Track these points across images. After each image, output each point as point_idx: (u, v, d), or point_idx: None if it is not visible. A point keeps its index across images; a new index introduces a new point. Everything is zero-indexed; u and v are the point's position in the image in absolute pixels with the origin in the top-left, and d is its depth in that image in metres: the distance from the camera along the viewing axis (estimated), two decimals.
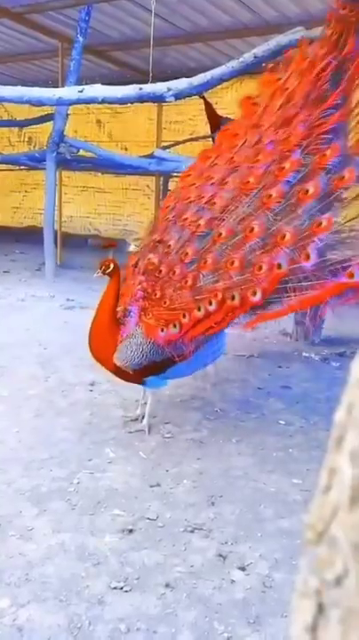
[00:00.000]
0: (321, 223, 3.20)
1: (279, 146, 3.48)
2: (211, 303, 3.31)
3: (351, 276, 3.17)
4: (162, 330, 3.38)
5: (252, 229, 3.31)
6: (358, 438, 0.42)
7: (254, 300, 3.23)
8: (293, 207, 3.31)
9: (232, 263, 3.31)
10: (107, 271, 3.46)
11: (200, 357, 3.63)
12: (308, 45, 3.70)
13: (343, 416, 0.46)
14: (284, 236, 3.23)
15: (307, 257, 3.18)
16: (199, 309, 3.32)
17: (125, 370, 3.46)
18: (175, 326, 3.38)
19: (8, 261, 10.55)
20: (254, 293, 3.23)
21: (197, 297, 3.35)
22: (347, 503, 0.42)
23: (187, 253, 3.44)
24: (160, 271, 3.53)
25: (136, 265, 3.70)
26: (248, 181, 3.47)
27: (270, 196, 3.35)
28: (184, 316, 3.35)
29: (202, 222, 3.50)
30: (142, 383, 3.61)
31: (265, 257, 3.26)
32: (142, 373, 3.49)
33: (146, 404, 3.72)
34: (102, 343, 3.49)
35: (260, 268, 3.25)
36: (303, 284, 3.23)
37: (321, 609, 0.45)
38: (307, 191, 3.28)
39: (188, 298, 3.38)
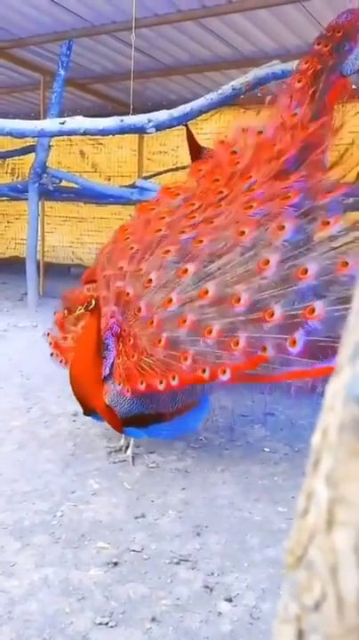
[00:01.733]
0: (314, 310, 3.06)
1: (275, 198, 3.45)
2: (175, 377, 3.24)
3: None
4: (141, 382, 3.34)
5: (239, 299, 3.20)
6: (333, 462, 0.43)
7: (223, 379, 3.15)
8: (287, 283, 3.19)
9: (210, 332, 3.21)
10: (90, 307, 3.42)
11: (183, 423, 3.56)
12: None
13: (318, 440, 0.46)
14: (273, 314, 3.13)
15: (294, 343, 3.08)
16: (172, 378, 3.24)
17: (113, 411, 3.44)
18: (143, 384, 3.33)
19: None
20: (224, 372, 3.16)
21: (168, 360, 3.27)
22: (324, 526, 0.42)
23: (170, 300, 3.37)
24: (139, 309, 3.48)
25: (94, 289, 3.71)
26: (242, 231, 3.39)
27: (267, 262, 3.24)
28: (160, 381, 3.29)
29: (190, 268, 3.42)
30: (121, 430, 3.58)
31: (244, 332, 3.16)
32: (126, 421, 3.46)
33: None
34: (86, 381, 3.45)
35: (237, 343, 3.16)
36: (289, 360, 3.13)
37: (300, 635, 0.44)
38: (306, 270, 3.15)
39: (160, 360, 3.30)
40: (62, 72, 8.20)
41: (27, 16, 7.79)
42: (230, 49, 8.60)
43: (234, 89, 6.48)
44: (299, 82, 3.85)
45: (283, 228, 3.31)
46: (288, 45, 8.27)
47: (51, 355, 3.97)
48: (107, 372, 3.45)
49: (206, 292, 3.30)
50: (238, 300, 3.21)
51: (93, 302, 3.42)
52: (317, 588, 0.43)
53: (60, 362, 3.89)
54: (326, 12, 6.71)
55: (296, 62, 3.70)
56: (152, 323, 3.39)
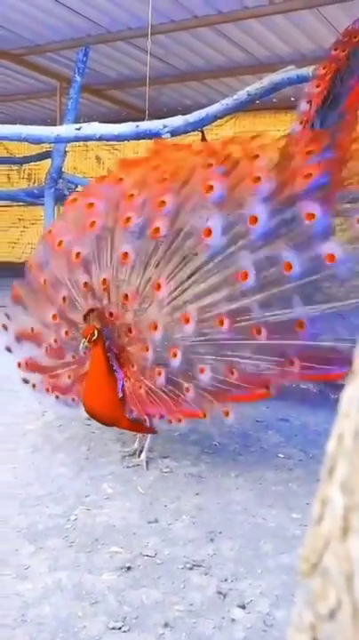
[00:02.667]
0: (302, 324, 3.01)
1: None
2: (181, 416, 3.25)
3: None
4: (157, 413, 3.34)
5: (222, 321, 3.05)
6: (348, 468, 0.42)
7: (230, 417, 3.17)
8: (268, 289, 3.05)
9: (202, 370, 3.14)
10: (93, 339, 3.31)
11: None
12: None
13: (334, 446, 0.46)
14: (260, 331, 3.05)
15: (292, 363, 3.04)
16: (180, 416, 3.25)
17: (140, 423, 3.43)
18: (157, 414, 3.33)
19: (5, 296, 10.56)
20: (227, 414, 3.18)
21: (172, 392, 3.25)
22: (339, 533, 0.42)
23: (156, 326, 3.20)
24: (129, 329, 3.36)
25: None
26: (209, 230, 3.06)
27: (246, 275, 3.01)
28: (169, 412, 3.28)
29: (162, 283, 3.17)
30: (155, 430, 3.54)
31: (235, 359, 3.11)
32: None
33: (144, 437, 3.69)
34: (106, 410, 3.42)
35: (232, 372, 3.12)
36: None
37: None
38: (290, 266, 2.98)
39: (164, 392, 3.27)
40: (78, 78, 8.28)
41: (44, 23, 7.87)
42: (245, 54, 8.61)
43: (249, 94, 6.48)
44: (317, 87, 3.85)
45: (255, 219, 3.03)
46: (303, 50, 8.28)
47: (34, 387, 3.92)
48: (121, 394, 3.40)
49: (187, 320, 3.13)
50: (222, 322, 3.07)
51: (95, 333, 3.31)
52: (332, 596, 0.42)
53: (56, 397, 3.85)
54: (341, 17, 6.71)
55: (312, 67, 3.68)
56: (147, 349, 3.29)
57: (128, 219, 3.29)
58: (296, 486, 3.41)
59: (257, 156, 3.14)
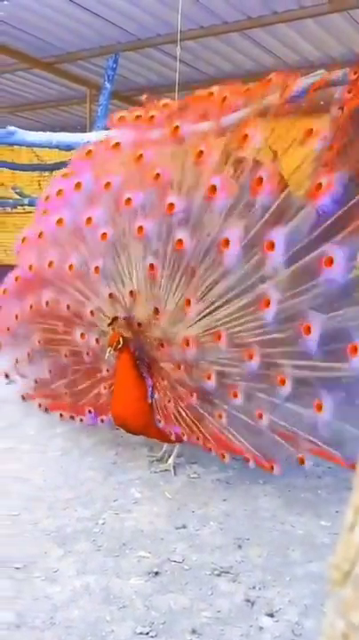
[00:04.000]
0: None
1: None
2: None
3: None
4: (182, 433, 3.40)
5: (252, 355, 2.95)
6: None
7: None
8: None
9: (235, 395, 3.08)
10: (119, 347, 3.33)
11: None
12: None
13: None
14: (284, 381, 2.93)
15: (319, 407, 2.88)
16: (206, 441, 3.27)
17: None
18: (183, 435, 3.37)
19: None
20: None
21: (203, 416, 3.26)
22: None
23: (187, 342, 3.13)
24: (161, 344, 3.33)
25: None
26: (227, 240, 2.91)
27: (268, 302, 2.88)
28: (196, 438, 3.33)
29: (193, 300, 3.09)
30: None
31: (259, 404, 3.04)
32: None
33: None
34: (135, 412, 3.43)
35: (261, 416, 3.03)
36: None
37: None
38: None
39: (195, 416, 3.29)
40: (108, 85, 8.35)
41: (75, 31, 7.96)
42: (274, 59, 8.58)
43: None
44: (349, 92, 3.78)
45: (272, 245, 2.83)
46: (333, 54, 8.21)
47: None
48: (151, 400, 3.44)
49: (219, 337, 3.05)
50: (251, 356, 2.97)
51: (121, 340, 3.32)
52: None
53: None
54: None
55: (341, 71, 3.63)
56: (179, 367, 3.28)
57: (140, 228, 3.24)
58: (325, 494, 3.37)
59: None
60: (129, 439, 4.06)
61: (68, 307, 3.63)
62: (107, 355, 3.33)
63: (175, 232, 3.13)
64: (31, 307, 3.81)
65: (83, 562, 2.58)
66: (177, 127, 3.25)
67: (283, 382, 2.93)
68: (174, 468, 3.57)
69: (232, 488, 3.39)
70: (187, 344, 3.15)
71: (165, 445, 3.75)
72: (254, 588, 2.45)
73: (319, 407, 2.85)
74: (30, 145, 7.16)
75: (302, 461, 3.01)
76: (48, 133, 6.64)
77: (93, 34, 8.02)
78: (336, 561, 0.46)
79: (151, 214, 3.22)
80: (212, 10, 6.95)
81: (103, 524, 2.93)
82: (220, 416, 3.18)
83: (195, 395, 3.23)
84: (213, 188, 2.97)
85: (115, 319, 3.37)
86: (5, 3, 7.04)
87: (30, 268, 3.75)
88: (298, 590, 2.43)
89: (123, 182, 3.38)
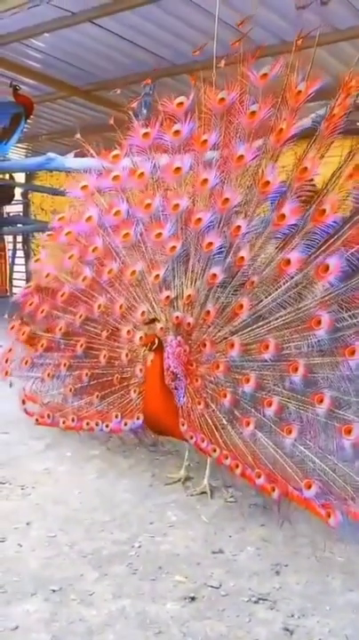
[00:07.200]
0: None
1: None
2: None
3: None
4: (202, 440, 3.46)
5: (297, 367, 3.10)
6: None
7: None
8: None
9: (270, 404, 3.19)
10: (153, 347, 3.48)
11: None
12: None
13: None
14: (322, 400, 3.04)
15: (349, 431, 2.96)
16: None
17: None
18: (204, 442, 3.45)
19: None
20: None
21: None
22: None
23: (232, 344, 3.34)
24: (203, 344, 3.52)
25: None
26: (288, 260, 3.18)
27: (319, 321, 3.05)
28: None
29: (245, 304, 3.32)
30: None
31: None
32: None
33: (190, 465, 3.75)
34: (164, 410, 3.53)
35: (291, 432, 3.11)
36: None
37: None
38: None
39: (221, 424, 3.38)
40: (145, 111, 8.49)
41: (111, 59, 8.14)
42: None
43: (313, 121, 6.45)
44: None
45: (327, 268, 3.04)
46: None
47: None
48: (179, 403, 3.56)
49: (267, 347, 3.22)
50: (296, 369, 3.12)
51: (156, 341, 3.48)
52: None
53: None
54: None
55: None
56: (218, 367, 3.43)
57: (210, 244, 3.48)
58: None
59: None
60: (165, 461, 4.05)
61: (121, 306, 3.87)
62: (142, 353, 3.61)
63: (238, 250, 3.41)
64: (81, 316, 3.99)
65: (119, 585, 2.57)
66: (241, 156, 3.44)
67: (320, 401, 3.03)
68: (211, 491, 3.54)
69: (269, 513, 3.34)
70: (232, 346, 3.33)
71: (184, 468, 3.77)
72: (293, 616, 2.39)
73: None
74: (69, 170, 7.30)
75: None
76: (86, 158, 6.77)
77: (129, 61, 8.20)
78: None
79: (219, 233, 3.49)
80: (248, 35, 7.04)
81: (139, 547, 2.91)
82: (248, 423, 3.25)
83: (228, 396, 3.34)
84: (282, 216, 3.22)
85: (153, 320, 3.63)
86: (46, 35, 7.25)
87: (84, 279, 3.99)
88: (338, 620, 2.37)
89: (191, 204, 3.67)
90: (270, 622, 2.34)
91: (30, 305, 4.13)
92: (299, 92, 3.28)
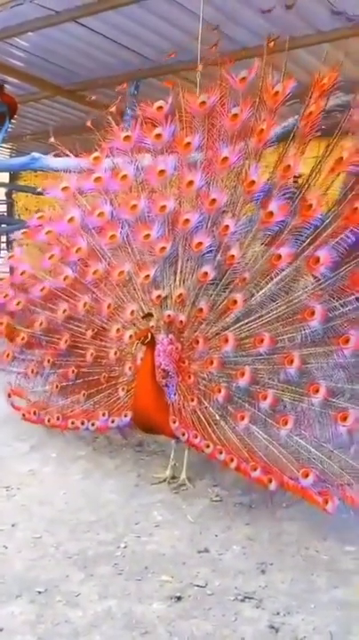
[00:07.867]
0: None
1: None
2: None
3: None
4: (195, 436, 3.48)
5: (292, 360, 3.17)
6: None
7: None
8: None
9: (265, 397, 3.24)
10: (146, 341, 3.50)
11: None
12: None
13: None
14: (318, 390, 3.11)
15: (345, 418, 3.02)
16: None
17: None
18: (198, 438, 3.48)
19: None
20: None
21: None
22: None
23: (226, 339, 3.40)
24: (196, 341, 3.57)
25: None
26: (279, 255, 3.27)
27: (312, 312, 3.14)
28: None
29: (239, 300, 3.40)
30: None
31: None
32: None
33: (176, 465, 3.75)
34: (154, 407, 3.53)
35: (287, 422, 3.17)
36: None
37: None
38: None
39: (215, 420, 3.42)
40: (129, 111, 8.48)
41: (96, 59, 8.12)
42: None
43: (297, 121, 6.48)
44: None
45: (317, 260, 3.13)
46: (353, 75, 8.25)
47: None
48: (169, 400, 3.59)
49: (261, 341, 3.28)
50: (291, 362, 3.18)
51: (149, 336, 3.50)
52: None
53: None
54: None
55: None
56: (212, 363, 3.47)
57: (199, 243, 3.52)
58: (350, 518, 3.31)
59: None
60: (151, 461, 4.05)
61: (109, 306, 3.88)
62: (135, 347, 3.60)
63: (228, 248, 3.47)
64: (64, 311, 3.99)
65: (105, 586, 2.57)
66: (226, 158, 3.49)
67: (316, 391, 3.09)
68: (189, 480, 3.61)
69: (255, 511, 3.35)
70: (226, 341, 3.39)
71: (169, 468, 3.77)
72: (278, 614, 2.40)
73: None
74: (53, 170, 7.27)
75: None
76: (71, 158, 6.75)
77: (115, 61, 8.18)
78: None
79: (207, 232, 3.53)
80: (232, 37, 7.05)
81: (125, 547, 2.91)
82: (242, 418, 3.28)
83: (222, 392, 3.38)
84: (270, 214, 3.28)
85: (148, 315, 3.68)
86: (30, 34, 7.21)
87: (65, 278, 3.99)
88: (322, 617, 2.38)
89: (177, 205, 3.71)
90: (256, 620, 2.35)
91: (5, 297, 4.12)
92: (277, 92, 3.34)
